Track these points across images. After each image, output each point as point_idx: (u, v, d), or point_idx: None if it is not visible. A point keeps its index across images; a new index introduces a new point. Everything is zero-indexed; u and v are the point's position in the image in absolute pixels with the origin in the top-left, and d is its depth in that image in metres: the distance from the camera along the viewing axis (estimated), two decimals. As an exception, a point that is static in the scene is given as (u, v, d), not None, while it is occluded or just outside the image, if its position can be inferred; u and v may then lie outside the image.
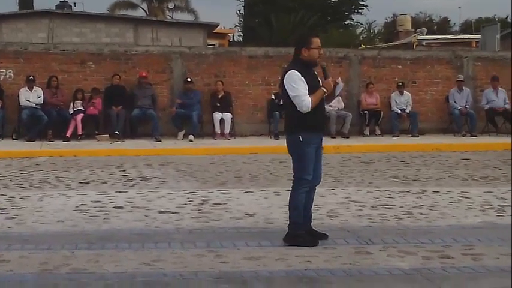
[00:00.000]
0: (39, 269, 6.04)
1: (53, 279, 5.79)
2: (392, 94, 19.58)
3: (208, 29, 35.03)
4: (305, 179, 6.95)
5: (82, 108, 17.70)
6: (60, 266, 6.12)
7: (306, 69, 6.91)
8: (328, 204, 9.11)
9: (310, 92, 6.80)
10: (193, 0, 59.07)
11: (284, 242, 6.92)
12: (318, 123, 7.03)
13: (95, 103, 17.79)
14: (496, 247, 6.81)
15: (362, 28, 43.82)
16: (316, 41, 6.94)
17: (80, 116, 17.52)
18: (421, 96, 20.19)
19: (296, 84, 6.80)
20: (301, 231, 6.98)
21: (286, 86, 6.87)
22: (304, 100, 6.78)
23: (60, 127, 17.51)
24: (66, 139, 17.16)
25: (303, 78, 6.80)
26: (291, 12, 37.50)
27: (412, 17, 45.60)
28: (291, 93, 6.84)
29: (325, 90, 6.90)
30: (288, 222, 7.07)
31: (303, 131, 6.88)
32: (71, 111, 17.68)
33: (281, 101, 14.58)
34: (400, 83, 19.52)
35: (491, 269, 6.04)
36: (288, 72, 6.90)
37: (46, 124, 17.33)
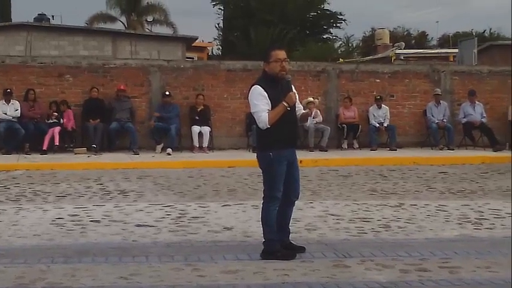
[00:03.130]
0: (15, 283, 5.98)
1: (28, 294, 5.75)
2: (370, 108, 19.68)
3: (187, 42, 35.04)
4: (275, 196, 6.88)
5: (57, 121, 17.63)
6: (37, 280, 6.07)
7: (271, 83, 6.78)
8: (306, 218, 9.11)
9: (276, 107, 6.71)
10: (172, 14, 58.91)
11: (261, 257, 6.89)
12: (288, 138, 6.91)
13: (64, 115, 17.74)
14: (473, 260, 6.84)
15: (340, 42, 44.17)
16: (276, 54, 6.79)
17: (57, 129, 17.43)
18: (398, 109, 20.31)
19: (257, 100, 6.72)
20: (277, 247, 6.93)
21: (249, 101, 6.83)
22: (261, 116, 6.69)
23: (37, 140, 17.40)
24: (43, 152, 17.06)
25: (265, 93, 6.70)
26: (270, 26, 37.71)
27: (390, 31, 45.93)
28: (251, 109, 6.82)
29: (285, 105, 6.70)
30: (263, 239, 7.04)
31: (273, 148, 6.79)
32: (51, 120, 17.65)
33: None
34: (378, 97, 19.62)
35: (468, 282, 6.06)
36: (251, 88, 6.83)
37: (23, 137, 17.23)
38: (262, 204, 7.00)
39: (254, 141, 17.64)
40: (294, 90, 6.88)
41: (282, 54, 6.83)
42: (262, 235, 7.05)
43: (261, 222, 7.04)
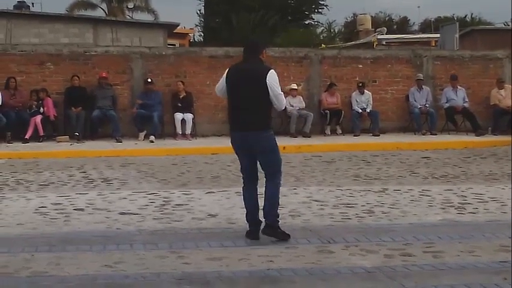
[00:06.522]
0: (-1, 273, 5.96)
1: (13, 283, 5.72)
2: (353, 93, 19.68)
3: (169, 29, 34.85)
4: (281, 170, 7.23)
5: (37, 110, 17.51)
6: (21, 270, 6.04)
7: None
8: (290, 204, 9.12)
9: None
10: (153, 0, 58.62)
11: (263, 233, 7.06)
12: None
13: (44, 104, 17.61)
14: (456, 244, 6.88)
15: (322, 28, 44.04)
16: None
17: (38, 118, 17.33)
18: (381, 95, 20.32)
19: (278, 84, 7.14)
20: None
21: (271, 84, 7.05)
22: (284, 99, 7.24)
23: (19, 129, 17.30)
24: (26, 141, 16.97)
25: None
26: (252, 12, 37.54)
27: (372, 16, 45.84)
28: (277, 91, 7.09)
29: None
30: (273, 218, 7.10)
31: (271, 127, 7.22)
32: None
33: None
34: (361, 83, 19.63)
35: (451, 266, 6.10)
36: (270, 71, 7.13)
37: (5, 126, 17.11)
38: (274, 182, 7.15)
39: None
40: None
41: None
42: (269, 213, 7.09)
43: (274, 200, 7.13)
